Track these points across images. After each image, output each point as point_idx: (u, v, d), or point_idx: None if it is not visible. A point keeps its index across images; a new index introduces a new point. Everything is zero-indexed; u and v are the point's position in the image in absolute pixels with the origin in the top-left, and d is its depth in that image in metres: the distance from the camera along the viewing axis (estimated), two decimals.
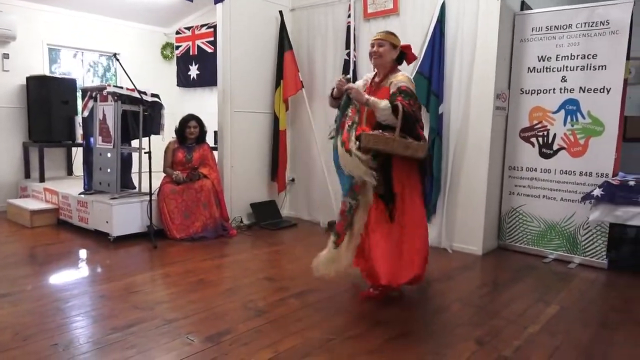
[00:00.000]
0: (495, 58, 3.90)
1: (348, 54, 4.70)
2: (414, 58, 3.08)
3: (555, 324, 2.68)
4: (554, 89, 3.95)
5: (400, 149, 2.69)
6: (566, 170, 3.93)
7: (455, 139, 4.11)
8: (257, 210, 5.05)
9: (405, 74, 2.91)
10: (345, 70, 4.73)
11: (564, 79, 3.90)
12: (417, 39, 4.26)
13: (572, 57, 3.84)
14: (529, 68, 4.07)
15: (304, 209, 5.37)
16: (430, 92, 4.11)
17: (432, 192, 4.17)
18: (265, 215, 5.08)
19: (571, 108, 3.88)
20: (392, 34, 2.94)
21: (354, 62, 4.68)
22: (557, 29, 3.91)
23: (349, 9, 4.67)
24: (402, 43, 2.96)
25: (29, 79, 5.54)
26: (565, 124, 3.92)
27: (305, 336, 2.44)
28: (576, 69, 3.83)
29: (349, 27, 4.67)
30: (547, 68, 3.98)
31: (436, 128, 4.09)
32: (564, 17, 3.86)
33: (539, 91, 4.03)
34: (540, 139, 4.06)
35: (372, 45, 2.91)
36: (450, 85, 4.12)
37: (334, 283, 3.24)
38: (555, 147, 3.99)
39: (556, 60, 3.93)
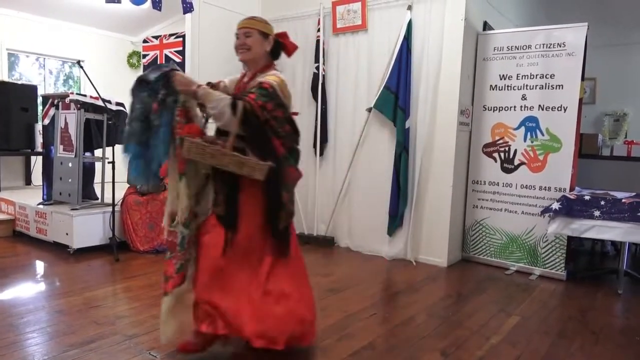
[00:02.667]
0: (460, 75, 4.02)
1: (317, 68, 4.74)
2: (295, 47, 2.44)
3: (516, 334, 2.75)
4: (514, 107, 4.11)
5: (233, 165, 2.05)
6: (526, 185, 4.07)
7: (421, 153, 4.20)
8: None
9: (280, 75, 2.27)
10: (314, 85, 4.77)
11: (524, 97, 4.05)
12: (384, 55, 4.35)
13: (532, 77, 4.01)
14: (491, 86, 4.21)
15: None
16: (397, 107, 4.19)
17: (399, 205, 4.23)
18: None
19: (531, 125, 4.04)
20: (261, 19, 2.32)
21: (323, 76, 4.73)
22: (518, 49, 4.07)
23: (319, 24, 4.73)
24: (276, 32, 2.38)
25: None
26: (525, 140, 4.07)
27: (269, 350, 2.41)
28: (535, 88, 3.99)
29: (318, 41, 4.73)
30: (508, 86, 4.13)
31: (403, 142, 4.17)
32: (524, 38, 4.03)
33: (501, 108, 4.18)
34: (502, 154, 4.19)
35: (237, 37, 2.28)
36: (417, 100, 4.22)
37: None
38: (516, 162, 4.13)
39: (517, 79, 4.09)
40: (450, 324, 2.87)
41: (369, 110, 4.43)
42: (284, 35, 2.39)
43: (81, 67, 4.20)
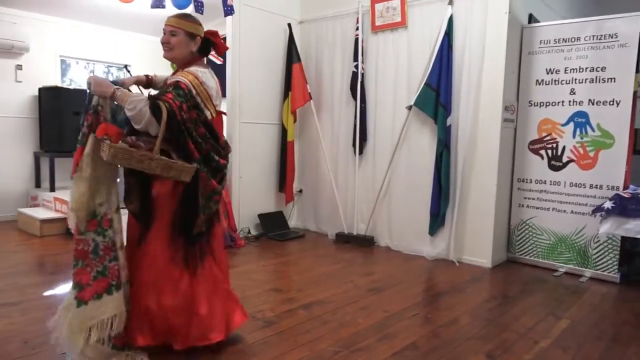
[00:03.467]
0: (504, 70, 3.90)
1: (356, 66, 4.72)
2: (225, 47, 2.49)
3: (566, 339, 2.65)
4: (562, 102, 3.95)
5: (160, 169, 2.03)
6: (576, 183, 3.91)
7: (464, 151, 4.11)
8: (264, 221, 5.06)
9: (199, 71, 2.22)
10: (353, 83, 4.76)
11: (572, 92, 3.89)
12: (424, 52, 4.29)
13: (581, 70, 3.84)
14: (537, 80, 4.07)
15: (312, 220, 5.37)
16: (439, 104, 4.11)
17: (441, 204, 4.16)
18: (273, 226, 5.08)
19: (580, 120, 3.87)
20: (190, 19, 2.26)
21: (362, 75, 4.71)
22: (566, 41, 3.91)
23: (357, 22, 4.71)
24: (207, 30, 2.36)
25: (41, 89, 5.62)
26: (574, 136, 3.90)
27: (313, 348, 2.43)
28: (585, 82, 3.83)
29: (357, 40, 4.71)
30: (555, 80, 3.98)
31: (444, 140, 4.09)
32: (573, 30, 3.87)
33: (548, 103, 4.03)
34: (550, 151, 4.04)
35: (164, 32, 2.24)
36: (458, 97, 4.13)
37: (341, 296, 3.24)
38: (564, 159, 3.97)
39: (565, 72, 3.93)
40: (495, 327, 2.79)
41: (409, 107, 4.37)
42: (214, 33, 2.37)
43: (128, 71, 4.33)
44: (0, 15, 5.28)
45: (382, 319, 2.85)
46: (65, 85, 5.98)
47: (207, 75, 2.26)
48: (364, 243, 4.72)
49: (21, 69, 5.53)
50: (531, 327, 2.80)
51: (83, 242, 2.07)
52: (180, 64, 2.31)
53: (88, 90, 2.11)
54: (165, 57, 2.28)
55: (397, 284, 3.55)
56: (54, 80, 5.83)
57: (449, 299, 3.28)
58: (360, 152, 4.83)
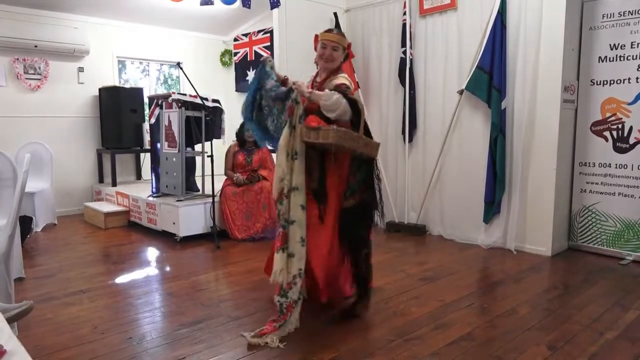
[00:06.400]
0: (562, 48, 3.69)
1: (404, 52, 4.63)
2: (352, 56, 2.99)
3: (635, 330, 2.49)
4: (629, 79, 3.69)
5: (364, 146, 2.49)
6: None
7: (521, 135, 3.94)
8: None
9: (346, 76, 2.74)
10: (402, 69, 4.67)
11: None
12: (476, 33, 4.13)
13: None
14: (600, 57, 3.82)
15: None
16: (492, 87, 3.96)
17: (496, 191, 4.02)
18: None
19: None
20: (344, 35, 2.79)
21: (410, 60, 4.61)
22: (632, 14, 3.64)
23: (404, 7, 4.60)
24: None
25: (101, 89, 5.92)
26: None
27: (367, 337, 2.43)
28: None
29: (404, 25, 4.61)
30: (620, 57, 3.72)
31: (499, 125, 3.94)
32: (639, 1, 3.59)
33: (612, 81, 3.77)
34: (615, 133, 3.80)
35: (325, 46, 2.66)
36: (514, 79, 3.96)
37: (393, 285, 3.21)
38: (631, 140, 3.71)
39: (631, 47, 3.66)
40: (557, 317, 2.68)
41: (461, 92, 4.24)
42: (349, 45, 2.82)
43: (181, 68, 4.50)
44: (62, 21, 5.60)
45: (437, 309, 2.80)
46: (122, 85, 6.27)
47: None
48: (416, 232, 4.65)
49: (83, 71, 5.85)
50: (596, 318, 2.66)
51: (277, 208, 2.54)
52: (330, 72, 2.73)
53: (261, 71, 2.70)
54: (324, 66, 2.72)
55: (451, 274, 3.47)
56: (112, 81, 6.12)
57: (506, 289, 3.17)
58: (410, 140, 4.75)
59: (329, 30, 2.75)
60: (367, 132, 2.62)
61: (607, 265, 3.66)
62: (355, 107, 2.51)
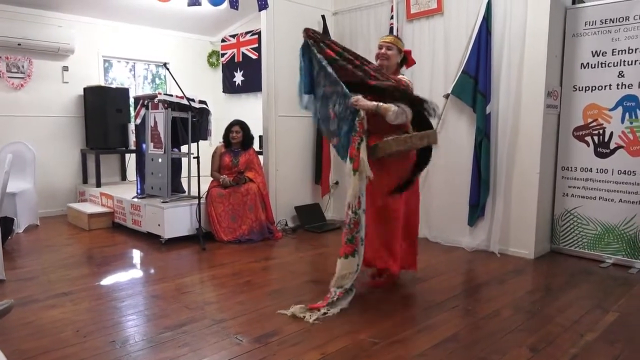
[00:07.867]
0: (546, 54, 3.76)
1: None
2: (413, 62, 3.26)
3: (614, 332, 2.54)
4: (610, 85, 3.77)
5: (418, 142, 2.86)
6: (625, 170, 3.73)
7: (505, 139, 3.99)
8: (301, 213, 5.10)
9: (407, 76, 3.10)
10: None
11: (621, 74, 3.70)
12: (462, 38, 4.18)
13: (630, 51, 3.64)
14: (582, 64, 3.90)
15: None
16: (477, 92, 4.01)
17: (481, 194, 4.07)
18: (310, 219, 5.11)
19: (630, 104, 3.68)
20: (400, 39, 3.20)
21: None
22: (613, 22, 3.72)
23: (392, 10, 4.64)
24: (405, 49, 3.16)
25: (86, 89, 5.85)
26: (623, 121, 3.72)
27: (352, 339, 2.44)
28: (635, 64, 3.63)
29: (391, 29, 4.64)
30: (602, 63, 3.80)
31: (483, 129, 3.99)
32: (621, 10, 3.67)
33: (594, 88, 3.85)
34: (596, 138, 3.87)
35: (381, 47, 3.04)
36: (498, 84, 4.01)
37: (380, 288, 3.22)
38: (612, 145, 3.79)
39: (612, 54, 3.74)
40: (539, 319, 2.72)
41: (447, 96, 4.28)
42: (409, 52, 3.17)
43: (167, 68, 4.47)
44: (47, 19, 5.53)
45: (422, 311, 2.82)
46: (107, 85, 6.20)
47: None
48: None
49: (67, 70, 5.78)
50: (577, 320, 2.70)
51: (348, 217, 2.88)
52: (390, 71, 3.05)
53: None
54: (380, 64, 3.04)
55: (436, 276, 3.50)
56: (98, 80, 6.06)
57: (490, 291, 3.21)
58: None
59: (391, 35, 3.33)
60: (425, 122, 2.93)
61: (588, 268, 3.73)
62: (415, 102, 2.84)
